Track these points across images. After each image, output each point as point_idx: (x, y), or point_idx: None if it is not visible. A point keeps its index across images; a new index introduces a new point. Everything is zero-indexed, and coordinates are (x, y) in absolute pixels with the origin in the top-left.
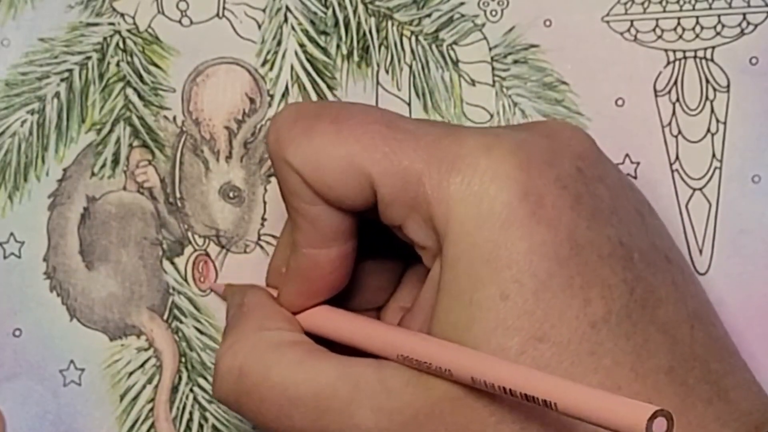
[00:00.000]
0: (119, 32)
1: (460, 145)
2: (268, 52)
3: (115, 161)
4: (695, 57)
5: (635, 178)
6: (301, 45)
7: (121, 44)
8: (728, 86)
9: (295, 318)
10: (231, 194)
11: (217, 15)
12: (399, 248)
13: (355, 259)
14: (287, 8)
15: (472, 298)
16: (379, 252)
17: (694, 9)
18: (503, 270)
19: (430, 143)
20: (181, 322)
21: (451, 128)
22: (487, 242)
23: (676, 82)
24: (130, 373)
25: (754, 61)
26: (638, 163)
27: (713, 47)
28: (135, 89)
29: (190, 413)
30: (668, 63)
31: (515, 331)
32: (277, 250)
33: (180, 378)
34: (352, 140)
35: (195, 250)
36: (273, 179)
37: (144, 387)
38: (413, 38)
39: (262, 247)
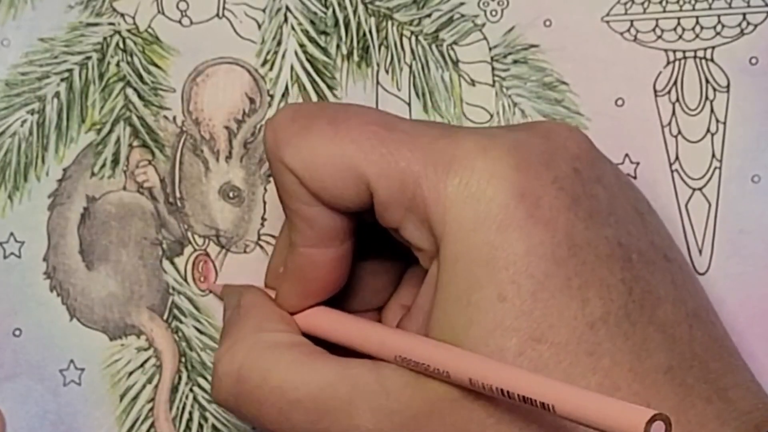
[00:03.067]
0: (119, 32)
1: (456, 146)
2: (268, 52)
3: (115, 161)
4: (695, 57)
5: (635, 178)
6: (301, 45)
7: (121, 44)
8: (728, 86)
9: (292, 319)
10: (231, 194)
11: (217, 15)
12: (399, 248)
13: (352, 259)
14: (287, 8)
15: (469, 299)
16: (379, 252)
17: (694, 9)
18: (501, 271)
19: (427, 144)
20: (181, 322)
21: (448, 129)
22: (484, 244)
23: (675, 82)
24: (130, 373)
25: (754, 61)
26: (638, 163)
27: (713, 47)
28: (135, 89)
29: (190, 413)
30: (668, 63)
31: (513, 332)
32: (276, 251)
33: (180, 378)
34: (348, 141)
35: (195, 250)
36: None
37: (144, 387)
38: (413, 38)
39: (261, 247)
